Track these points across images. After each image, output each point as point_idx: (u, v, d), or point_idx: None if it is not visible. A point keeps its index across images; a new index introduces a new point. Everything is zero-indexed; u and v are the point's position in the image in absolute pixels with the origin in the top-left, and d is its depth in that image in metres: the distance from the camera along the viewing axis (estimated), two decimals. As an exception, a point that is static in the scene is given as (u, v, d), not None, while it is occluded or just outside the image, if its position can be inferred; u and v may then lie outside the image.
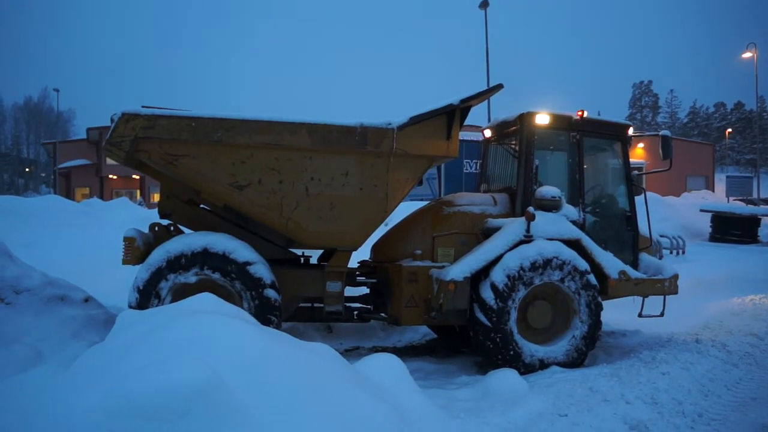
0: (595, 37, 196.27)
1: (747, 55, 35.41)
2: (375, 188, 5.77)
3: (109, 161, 39.38)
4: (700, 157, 45.43)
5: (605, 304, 6.30)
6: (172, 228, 6.25)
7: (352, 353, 7.01)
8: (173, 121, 5.29)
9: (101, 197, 31.86)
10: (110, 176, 45.93)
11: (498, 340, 5.76)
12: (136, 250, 5.57)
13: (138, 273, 5.35)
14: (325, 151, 5.62)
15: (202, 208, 6.36)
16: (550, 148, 7.18)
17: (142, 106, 5.69)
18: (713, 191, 39.52)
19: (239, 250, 5.43)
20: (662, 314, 6.79)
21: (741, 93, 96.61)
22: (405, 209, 7.55)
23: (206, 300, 3.88)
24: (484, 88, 6.33)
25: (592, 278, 6.07)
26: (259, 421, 2.72)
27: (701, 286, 10.64)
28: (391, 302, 6.33)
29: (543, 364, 5.86)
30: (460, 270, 5.82)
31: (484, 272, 5.90)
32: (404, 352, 7.20)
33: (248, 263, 5.40)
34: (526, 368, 5.74)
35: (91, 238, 11.23)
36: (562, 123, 6.72)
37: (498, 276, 5.79)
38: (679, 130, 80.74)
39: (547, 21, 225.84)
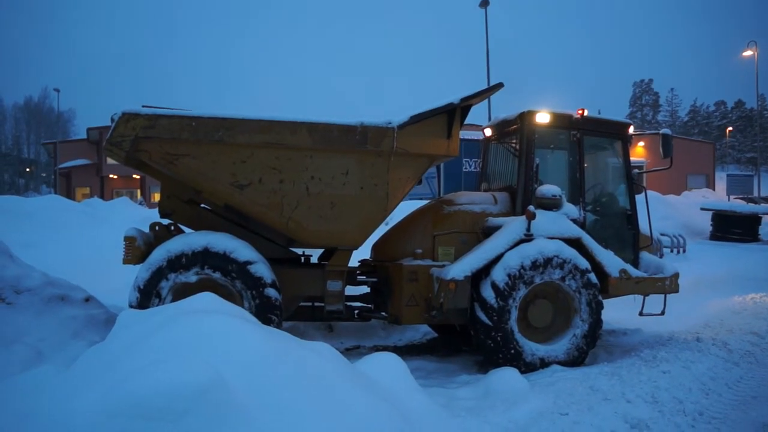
0: (596, 35, 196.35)
1: (747, 53, 35.38)
2: (375, 187, 5.77)
3: (110, 161, 39.38)
4: (700, 156, 45.37)
5: (606, 302, 6.30)
6: (172, 227, 6.26)
7: (352, 352, 7.02)
8: (174, 120, 5.29)
9: (102, 197, 31.85)
10: (111, 176, 45.93)
11: (499, 338, 5.76)
12: (137, 249, 5.57)
13: (139, 272, 5.36)
14: (326, 150, 5.62)
15: (203, 207, 6.37)
16: (551, 146, 7.18)
17: (143, 106, 5.70)
18: (714, 190, 39.49)
19: (240, 249, 5.43)
20: (663, 313, 6.79)
21: (741, 91, 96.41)
22: (405, 208, 7.55)
23: (207, 299, 3.87)
24: (485, 87, 6.33)
25: (592, 277, 6.07)
26: (260, 420, 2.72)
27: (702, 284, 10.64)
28: (392, 301, 6.33)
29: (544, 363, 5.86)
30: (460, 269, 5.82)
31: (484, 271, 5.90)
32: (405, 351, 7.20)
33: (249, 262, 5.40)
34: (526, 367, 5.74)
35: (91, 237, 11.24)
36: (562, 122, 6.72)
37: (499, 275, 5.79)
38: (680, 129, 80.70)
39: (547, 20, 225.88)
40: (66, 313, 5.67)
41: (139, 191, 45.84)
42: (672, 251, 14.41)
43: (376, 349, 7.26)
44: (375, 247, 6.95)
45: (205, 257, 5.33)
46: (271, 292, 5.45)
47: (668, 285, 6.73)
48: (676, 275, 6.80)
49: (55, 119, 68.19)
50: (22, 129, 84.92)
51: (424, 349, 7.44)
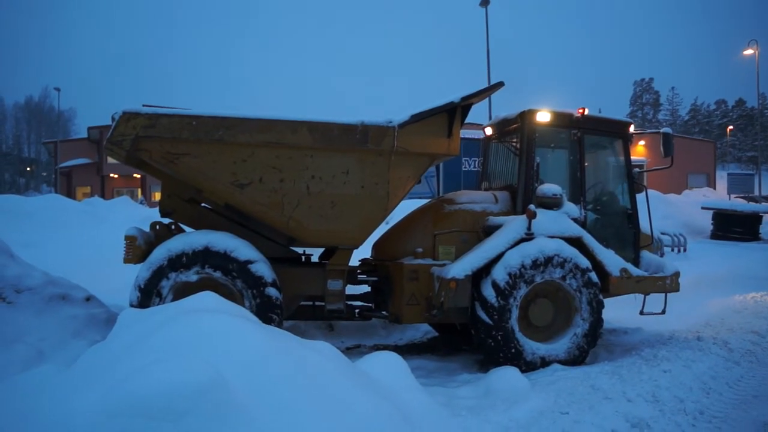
0: (596, 34, 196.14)
1: (748, 52, 35.39)
2: (376, 186, 5.77)
3: (110, 160, 39.37)
4: (701, 155, 45.36)
5: (606, 301, 6.30)
6: (173, 227, 6.26)
7: (353, 351, 7.02)
8: (174, 119, 5.29)
9: (102, 196, 31.87)
10: (111, 175, 45.96)
11: (499, 338, 5.76)
12: (138, 248, 5.57)
13: (139, 272, 5.36)
14: (326, 149, 5.62)
15: (204, 206, 6.37)
16: (551, 145, 7.17)
17: (143, 105, 5.70)
18: (714, 188, 39.47)
19: (240, 248, 5.43)
20: (663, 312, 6.79)
21: (742, 90, 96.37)
22: (404, 207, 7.55)
23: (207, 298, 3.87)
24: (485, 86, 6.32)
25: (593, 276, 6.07)
26: (261, 420, 2.72)
27: (703, 283, 10.62)
28: (393, 300, 6.33)
29: (544, 362, 5.86)
30: (461, 268, 5.82)
31: (485, 270, 5.90)
32: (405, 350, 7.20)
33: (249, 262, 5.40)
34: (527, 366, 5.74)
35: (92, 237, 11.25)
36: (563, 120, 6.72)
37: (499, 274, 5.79)
38: (681, 128, 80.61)
39: (547, 19, 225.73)
40: (67, 313, 5.67)
41: (139, 190, 45.88)
42: (673, 250, 14.41)
43: (377, 348, 7.26)
44: (375, 246, 6.95)
45: (205, 256, 5.33)
46: (272, 291, 5.45)
47: (669, 284, 6.72)
48: (677, 274, 6.80)
49: (56, 118, 68.15)
50: (23, 128, 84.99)
51: (424, 348, 7.44)
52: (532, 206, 5.97)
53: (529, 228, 5.94)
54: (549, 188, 6.36)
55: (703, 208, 18.57)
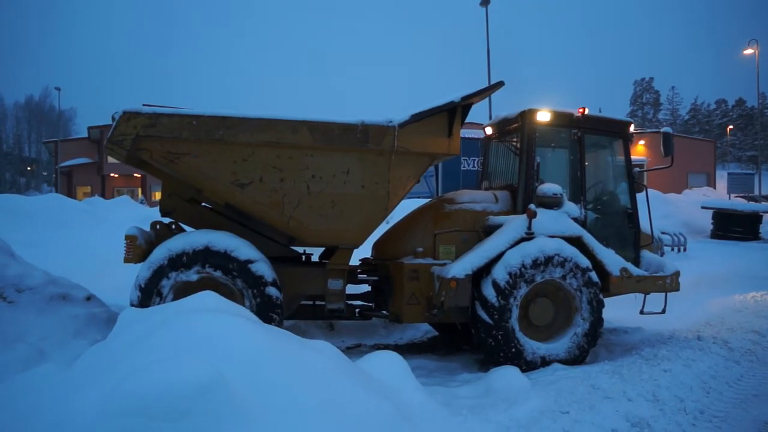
0: (597, 34, 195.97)
1: (748, 51, 35.38)
2: (376, 186, 5.77)
3: (111, 160, 39.39)
4: (701, 154, 45.32)
5: (607, 301, 6.30)
6: (173, 226, 6.26)
7: (353, 351, 7.02)
8: (174, 119, 5.29)
9: (103, 196, 31.90)
10: (112, 175, 45.98)
11: (500, 337, 5.77)
12: (138, 248, 5.57)
13: (140, 271, 5.36)
14: (327, 148, 5.62)
15: (204, 206, 6.37)
16: (552, 145, 7.17)
17: (144, 105, 5.70)
18: (715, 188, 39.44)
19: (241, 248, 5.43)
20: (664, 311, 6.79)
21: (742, 90, 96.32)
22: (404, 207, 7.55)
23: (208, 298, 3.87)
24: (485, 85, 6.32)
25: (593, 275, 6.07)
26: (261, 419, 2.72)
27: (703, 283, 10.63)
28: (393, 300, 6.33)
29: (545, 362, 5.87)
30: (461, 267, 5.83)
31: (485, 270, 5.90)
32: (406, 350, 7.20)
33: (250, 261, 5.40)
34: (527, 365, 5.74)
35: (92, 236, 11.25)
36: (563, 120, 6.72)
37: (499, 273, 5.79)
38: (681, 127, 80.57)
39: (547, 19, 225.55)
40: (67, 312, 5.68)
41: (140, 190, 45.89)
42: (673, 250, 14.40)
43: (377, 347, 7.26)
44: (376, 246, 6.95)
45: (206, 256, 5.33)
46: (272, 290, 5.45)
47: (669, 283, 6.73)
48: (677, 274, 6.80)
49: (56, 118, 68.17)
50: (24, 128, 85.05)
51: (425, 348, 7.44)
52: (532, 206, 5.97)
53: (529, 227, 5.94)
54: (549, 188, 6.36)
55: (703, 207, 18.56)
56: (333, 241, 5.97)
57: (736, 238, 16.71)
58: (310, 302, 6.58)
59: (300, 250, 6.65)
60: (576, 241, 6.14)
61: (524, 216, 5.98)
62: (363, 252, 6.83)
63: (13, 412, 2.83)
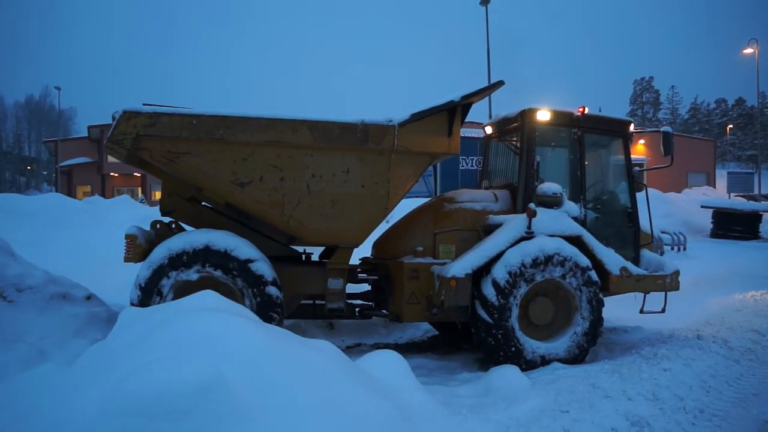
0: (597, 33, 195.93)
1: (748, 51, 35.35)
2: (376, 185, 5.77)
3: (111, 159, 39.35)
4: (701, 153, 45.35)
5: (606, 300, 6.31)
6: (173, 225, 6.26)
7: (353, 350, 7.02)
8: (175, 118, 5.29)
9: (103, 195, 31.89)
10: (112, 174, 45.94)
11: (499, 336, 5.77)
12: (138, 247, 5.58)
13: (140, 270, 5.36)
14: (327, 148, 5.62)
15: (204, 205, 6.37)
16: (552, 144, 7.17)
17: (144, 104, 5.69)
18: (714, 187, 39.47)
19: (241, 247, 5.44)
20: (663, 310, 6.79)
21: (742, 89, 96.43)
22: (403, 206, 7.55)
23: (208, 297, 3.88)
24: (485, 84, 6.32)
25: (593, 275, 6.07)
26: (261, 418, 2.72)
27: (702, 282, 10.63)
28: (393, 299, 6.33)
29: (544, 361, 5.87)
30: (461, 267, 5.83)
31: (485, 269, 5.90)
32: (406, 349, 7.20)
33: (250, 260, 5.40)
34: (527, 365, 5.75)
35: (92, 236, 11.24)
36: (563, 119, 6.72)
37: (499, 272, 5.79)
38: (681, 127, 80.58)
39: (547, 18, 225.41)
40: (67, 312, 5.68)
41: (140, 189, 45.87)
42: (672, 249, 14.41)
43: (377, 346, 7.26)
44: (376, 245, 6.95)
45: (206, 255, 5.33)
46: (272, 290, 5.45)
47: (669, 283, 6.73)
48: (677, 273, 6.80)
49: (56, 117, 68.14)
50: (23, 127, 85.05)
51: (425, 347, 7.44)
52: (532, 205, 5.98)
53: (529, 227, 5.94)
54: (549, 187, 6.36)
55: (702, 206, 18.58)
56: (333, 240, 5.97)
57: (735, 238, 16.73)
58: (310, 301, 6.59)
59: (300, 249, 6.65)
60: (576, 241, 6.14)
61: (524, 215, 5.99)
62: (363, 251, 6.83)
63: (13, 412, 2.83)
